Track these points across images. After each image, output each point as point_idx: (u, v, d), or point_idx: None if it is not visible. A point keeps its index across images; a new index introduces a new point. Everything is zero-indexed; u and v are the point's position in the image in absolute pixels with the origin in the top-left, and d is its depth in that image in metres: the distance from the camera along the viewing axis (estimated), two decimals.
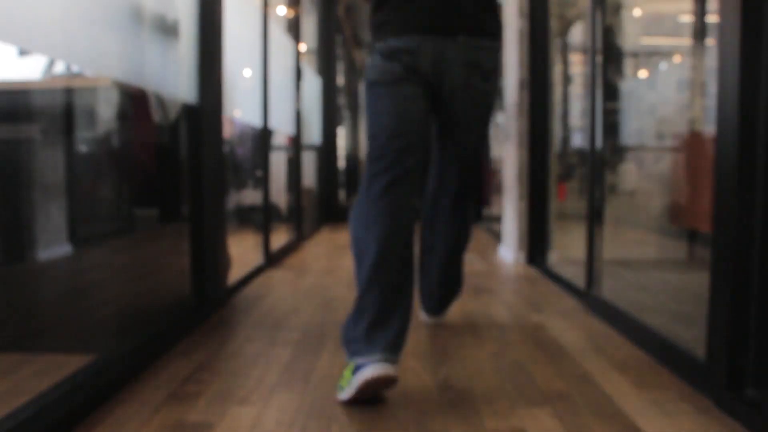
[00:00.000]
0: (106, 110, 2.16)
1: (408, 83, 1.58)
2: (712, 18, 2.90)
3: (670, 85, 3.29)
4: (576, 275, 2.52)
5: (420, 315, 2.10)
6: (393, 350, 1.42)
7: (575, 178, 3.50)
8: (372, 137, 1.57)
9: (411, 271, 1.54)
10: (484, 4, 1.66)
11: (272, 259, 3.26)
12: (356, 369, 1.38)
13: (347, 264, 3.33)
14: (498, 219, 3.90)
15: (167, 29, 1.90)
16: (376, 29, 1.63)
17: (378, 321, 1.45)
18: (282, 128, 3.97)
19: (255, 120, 3.17)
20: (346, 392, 1.40)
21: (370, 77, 1.60)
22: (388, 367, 1.38)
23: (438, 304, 2.04)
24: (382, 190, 1.51)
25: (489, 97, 1.73)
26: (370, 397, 1.40)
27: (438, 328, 2.03)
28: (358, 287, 1.51)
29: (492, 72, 1.69)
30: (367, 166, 1.56)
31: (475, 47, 1.63)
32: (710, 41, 2.90)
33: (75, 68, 2.21)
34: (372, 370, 1.36)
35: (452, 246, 1.93)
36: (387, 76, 1.58)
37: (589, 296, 2.32)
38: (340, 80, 6.93)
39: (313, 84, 5.11)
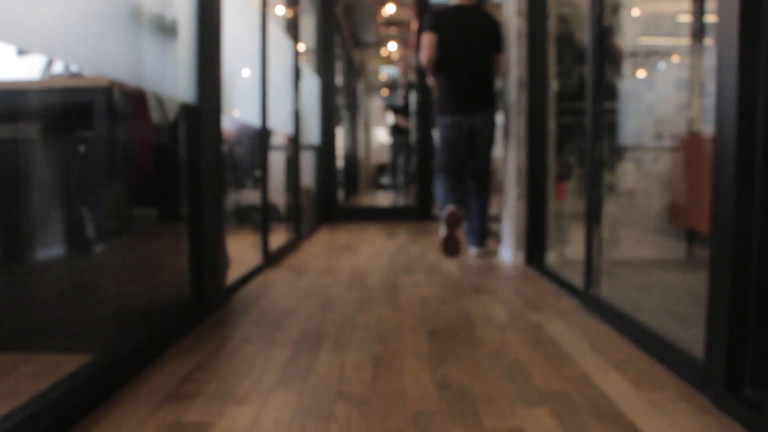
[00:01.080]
0: (105, 110, 2.16)
1: (457, 135, 3.62)
2: (710, 18, 2.91)
3: (669, 84, 3.30)
4: (574, 275, 2.52)
5: (470, 250, 3.64)
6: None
7: (573, 177, 3.50)
8: (444, 155, 3.71)
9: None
10: (485, 95, 3.61)
11: (271, 259, 3.26)
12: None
13: (346, 263, 3.33)
14: (497, 219, 3.90)
15: (166, 29, 1.90)
16: (442, 108, 3.68)
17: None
18: (281, 128, 3.97)
19: (254, 120, 3.16)
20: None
21: (442, 132, 3.67)
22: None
23: (479, 238, 3.65)
24: (449, 180, 3.68)
25: (488, 134, 3.64)
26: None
27: (437, 328, 2.04)
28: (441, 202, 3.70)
29: (488, 123, 3.61)
30: (441, 167, 3.73)
31: (480, 115, 3.58)
32: (709, 41, 2.91)
33: (73, 68, 2.21)
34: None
35: (478, 198, 3.71)
36: (448, 132, 3.64)
37: (587, 296, 2.32)
38: (339, 80, 6.93)
39: (311, 84, 5.11)
